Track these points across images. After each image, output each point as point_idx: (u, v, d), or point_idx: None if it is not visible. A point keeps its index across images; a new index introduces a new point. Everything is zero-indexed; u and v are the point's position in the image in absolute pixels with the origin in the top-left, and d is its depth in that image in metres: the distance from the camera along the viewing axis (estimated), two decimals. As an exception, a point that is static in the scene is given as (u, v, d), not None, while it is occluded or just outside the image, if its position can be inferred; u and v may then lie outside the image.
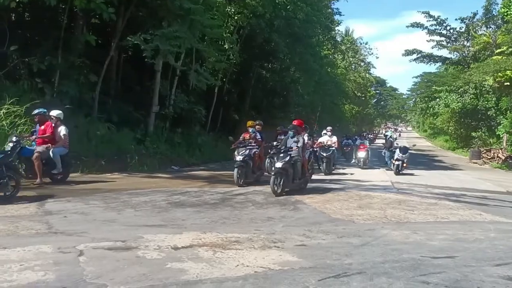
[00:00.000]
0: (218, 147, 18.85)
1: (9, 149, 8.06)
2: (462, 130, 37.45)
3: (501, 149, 25.68)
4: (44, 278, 3.25)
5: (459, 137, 38.88)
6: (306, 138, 10.61)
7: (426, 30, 36.77)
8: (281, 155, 8.61)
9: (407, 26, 37.71)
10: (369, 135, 45.72)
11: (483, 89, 31.23)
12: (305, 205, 7.43)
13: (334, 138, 15.40)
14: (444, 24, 36.65)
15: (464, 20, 36.23)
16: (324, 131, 15.96)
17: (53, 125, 8.83)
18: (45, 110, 8.97)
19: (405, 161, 15.28)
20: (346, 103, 51.32)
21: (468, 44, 37.12)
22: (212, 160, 17.07)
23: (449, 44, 38.06)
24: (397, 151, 15.48)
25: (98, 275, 3.34)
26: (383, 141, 22.86)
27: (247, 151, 10.02)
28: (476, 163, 25.16)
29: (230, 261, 3.85)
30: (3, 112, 9.80)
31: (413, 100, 51.70)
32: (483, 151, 26.85)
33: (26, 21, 14.28)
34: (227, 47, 19.80)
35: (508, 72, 24.60)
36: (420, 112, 48.65)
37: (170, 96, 17.72)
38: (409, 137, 62.87)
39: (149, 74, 17.10)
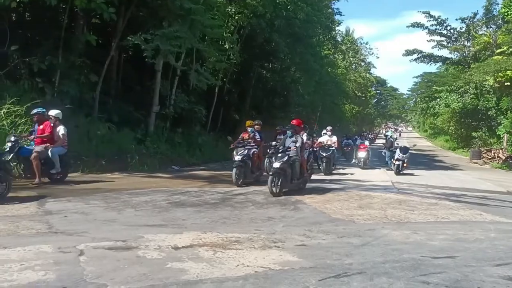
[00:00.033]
0: (219, 147, 18.85)
1: (7, 149, 8.06)
2: (462, 130, 37.44)
3: (501, 149, 25.68)
4: (44, 277, 3.25)
5: (459, 137, 38.88)
6: (305, 137, 10.57)
7: (426, 30, 36.77)
8: (279, 155, 8.55)
9: (408, 26, 37.72)
10: (369, 135, 45.71)
11: (484, 89, 31.23)
12: (306, 205, 7.43)
13: (334, 138, 15.36)
14: (445, 24, 36.65)
15: (465, 20, 36.23)
16: (324, 131, 15.92)
17: (52, 124, 8.80)
18: (44, 110, 8.94)
19: (405, 161, 15.28)
20: (346, 103, 51.31)
21: (468, 44, 37.11)
22: (212, 160, 17.08)
23: (449, 44, 38.05)
24: (398, 151, 15.48)
25: (98, 275, 3.34)
26: (384, 141, 22.88)
27: (246, 151, 9.98)
28: (476, 163, 25.16)
29: (230, 261, 3.85)
30: (3, 111, 9.80)
31: (414, 100, 51.68)
32: (483, 151, 26.85)
33: (26, 21, 14.30)
34: (227, 47, 19.81)
35: (508, 72, 24.58)
36: (420, 112, 48.65)
37: (171, 96, 17.72)
38: (409, 137, 62.88)
39: (150, 74, 17.11)
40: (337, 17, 34.39)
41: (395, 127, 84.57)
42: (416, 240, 5.00)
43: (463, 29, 36.75)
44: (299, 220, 6.15)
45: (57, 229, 4.93)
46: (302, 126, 10.64)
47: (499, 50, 27.92)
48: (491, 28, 34.91)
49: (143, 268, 3.54)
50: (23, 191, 7.55)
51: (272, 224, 5.70)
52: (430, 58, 38.96)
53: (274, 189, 8.17)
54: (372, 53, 60.32)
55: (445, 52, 39.00)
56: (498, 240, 5.16)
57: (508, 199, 9.95)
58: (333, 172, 14.68)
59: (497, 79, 26.03)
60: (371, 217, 6.48)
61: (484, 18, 34.99)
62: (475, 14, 35.63)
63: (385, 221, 6.17)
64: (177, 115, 18.04)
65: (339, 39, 45.06)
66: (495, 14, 33.11)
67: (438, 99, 35.75)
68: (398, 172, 14.87)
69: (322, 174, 13.71)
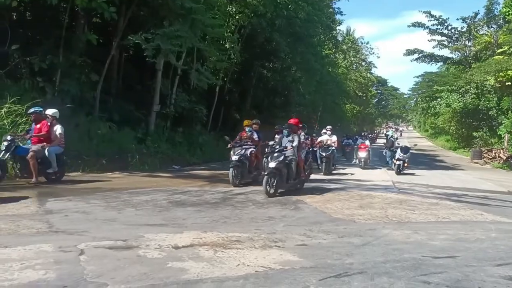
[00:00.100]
0: (219, 146, 18.81)
1: (3, 148, 8.02)
2: (463, 130, 37.43)
3: (502, 149, 25.65)
4: (45, 277, 3.25)
5: (460, 137, 38.87)
6: (302, 137, 10.50)
7: (427, 30, 36.84)
8: (275, 154, 8.37)
9: (409, 26, 37.79)
10: (370, 135, 45.67)
11: (485, 89, 31.22)
12: (306, 204, 7.42)
13: (334, 138, 15.27)
14: (446, 24, 36.70)
15: (466, 20, 36.26)
16: (324, 131, 15.85)
17: (49, 124, 8.72)
18: (41, 109, 8.86)
19: (406, 161, 15.28)
20: (347, 103, 51.32)
21: (469, 44, 37.13)
22: (213, 159, 17.08)
23: (450, 44, 38.07)
24: (398, 151, 15.47)
25: (99, 274, 3.33)
26: (384, 140, 22.87)
27: (243, 150, 9.85)
28: (477, 163, 25.15)
29: (231, 260, 3.84)
30: (4, 111, 9.79)
31: (414, 99, 51.77)
32: (484, 151, 26.82)
33: (27, 20, 14.31)
34: (228, 47, 19.82)
35: (509, 72, 24.57)
36: (421, 112, 48.65)
37: (171, 95, 17.73)
38: (410, 137, 62.84)
39: (150, 73, 17.11)
40: (338, 16, 34.48)
41: (396, 126, 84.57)
42: (417, 240, 4.99)
43: (464, 29, 36.80)
44: (299, 219, 6.14)
45: (57, 228, 4.93)
46: (300, 125, 10.59)
47: (500, 50, 27.90)
48: (492, 28, 34.94)
49: (143, 268, 3.54)
50: (22, 190, 7.56)
51: (272, 224, 5.70)
52: (431, 57, 38.98)
53: (269, 189, 7.99)
54: (373, 53, 60.47)
55: (446, 52, 39.10)
56: (499, 240, 5.15)
57: (509, 199, 9.94)
58: (333, 172, 14.63)
59: (498, 79, 26.01)
60: (372, 216, 6.47)
61: (485, 18, 35.01)
62: (476, 14, 35.70)
63: (386, 221, 6.16)
64: (178, 115, 18.04)
65: (340, 38, 45.10)
66: (496, 14, 33.14)
67: (439, 99, 35.75)
68: (399, 172, 14.86)
69: (322, 174, 13.65)
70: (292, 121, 9.34)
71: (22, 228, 4.83)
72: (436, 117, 44.41)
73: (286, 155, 8.42)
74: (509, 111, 26.85)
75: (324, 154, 14.10)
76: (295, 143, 8.57)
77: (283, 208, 7.02)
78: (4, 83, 11.35)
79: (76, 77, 13.35)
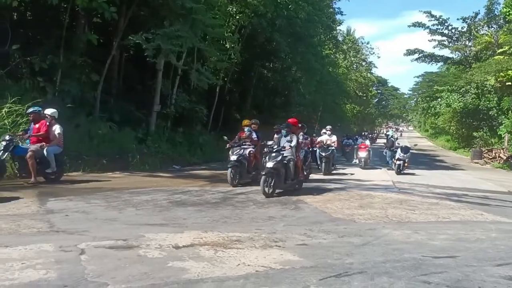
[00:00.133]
0: (220, 146, 18.77)
1: (2, 148, 8.01)
2: (463, 130, 37.43)
3: (502, 149, 25.65)
4: (45, 276, 3.25)
5: (460, 137, 38.87)
6: (301, 137, 10.45)
7: (427, 30, 36.86)
8: (273, 154, 8.31)
9: (409, 26, 37.83)
10: (370, 135, 45.63)
11: (485, 89, 31.21)
12: (306, 204, 7.42)
13: (334, 138, 15.20)
14: (446, 24, 36.71)
15: (466, 20, 36.26)
16: (324, 130, 15.81)
17: (48, 123, 8.67)
18: (40, 109, 8.83)
19: (406, 160, 15.27)
20: (347, 103, 51.27)
21: (469, 44, 37.13)
22: (213, 159, 17.07)
23: (450, 44, 38.08)
24: (399, 150, 15.45)
25: (99, 274, 3.34)
26: (384, 140, 22.86)
27: (242, 150, 9.80)
28: (477, 163, 25.15)
29: (231, 260, 3.84)
30: (5, 111, 9.80)
31: (415, 100, 51.77)
32: (484, 151, 26.83)
33: (28, 20, 14.33)
34: (228, 47, 19.82)
35: (510, 72, 24.57)
36: (421, 112, 48.63)
37: (172, 96, 17.73)
38: (410, 136, 62.81)
39: (151, 73, 17.12)
40: (338, 16, 34.48)
41: (396, 126, 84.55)
42: (417, 239, 4.99)
43: (465, 29, 36.80)
44: (300, 219, 6.14)
45: (58, 228, 4.94)
46: (299, 125, 10.55)
47: (500, 50, 27.91)
48: (492, 28, 34.94)
49: (144, 267, 3.54)
50: (22, 190, 7.57)
51: (273, 224, 5.70)
52: (431, 57, 38.99)
53: (267, 189, 7.90)
54: (373, 53, 60.31)
55: (446, 52, 39.11)
56: (499, 240, 5.15)
57: (509, 199, 9.93)
58: (333, 172, 14.60)
59: (499, 79, 26.01)
60: (372, 216, 6.47)
61: (486, 18, 35.01)
62: (477, 14, 35.72)
63: (386, 221, 6.17)
64: (178, 115, 18.05)
65: (340, 38, 45.08)
66: (497, 14, 33.14)
67: (439, 99, 35.75)
68: (399, 171, 14.85)
69: (322, 174, 13.62)
70: (290, 121, 9.29)
71: (23, 228, 4.84)
72: (436, 117, 44.41)
73: (284, 155, 8.36)
74: (510, 111, 26.85)
75: (323, 154, 14.06)
76: (293, 143, 8.50)
77: (284, 208, 7.03)
78: (5, 83, 11.37)
79: (77, 77, 13.36)
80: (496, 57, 27.39)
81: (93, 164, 11.10)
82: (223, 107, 22.37)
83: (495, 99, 30.62)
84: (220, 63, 18.84)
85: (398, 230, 5.49)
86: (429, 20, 36.19)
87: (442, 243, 4.87)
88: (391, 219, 6.30)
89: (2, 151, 8.03)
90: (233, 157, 9.63)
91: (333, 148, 14.56)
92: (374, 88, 70.91)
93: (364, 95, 61.62)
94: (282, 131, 8.90)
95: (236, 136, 10.52)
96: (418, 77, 45.96)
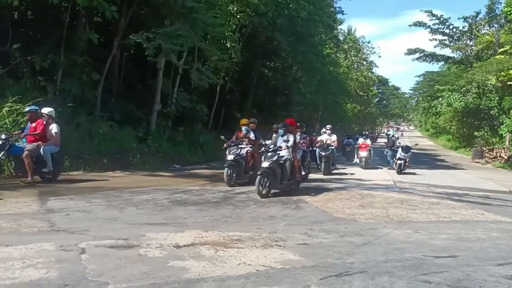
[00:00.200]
0: (220, 145, 18.73)
1: None
2: (464, 129, 37.38)
3: (503, 148, 25.62)
4: (46, 275, 3.26)
5: (461, 137, 38.84)
6: (298, 137, 10.40)
7: (428, 29, 36.83)
8: (269, 154, 8.23)
9: (410, 25, 37.86)
10: (371, 135, 45.59)
11: (486, 88, 31.16)
12: (307, 204, 7.42)
13: (334, 137, 15.06)
14: (447, 23, 36.67)
15: (467, 19, 36.22)
16: (324, 130, 15.73)
17: (45, 122, 8.62)
18: (37, 108, 8.79)
19: (407, 160, 15.25)
20: (348, 102, 51.21)
21: (471, 43, 37.09)
22: (214, 158, 17.06)
23: (451, 43, 38.04)
24: (399, 150, 15.42)
25: (100, 273, 3.34)
26: (385, 140, 22.85)
27: (239, 150, 9.73)
28: (478, 162, 25.13)
29: (232, 259, 3.85)
30: (5, 110, 9.79)
31: (416, 99, 51.77)
32: (485, 150, 26.80)
33: (28, 20, 14.32)
34: (229, 46, 19.80)
35: (511, 72, 24.56)
36: (422, 111, 48.60)
37: (172, 95, 17.72)
38: (411, 136, 62.80)
39: (151, 72, 17.11)
40: (339, 16, 34.43)
41: (397, 126, 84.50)
42: (418, 239, 4.99)
43: (466, 28, 36.76)
44: (300, 219, 6.14)
45: (59, 227, 4.94)
46: (298, 125, 10.49)
47: (501, 50, 27.90)
48: (493, 27, 34.91)
49: (144, 267, 3.54)
50: (23, 189, 7.58)
51: (273, 223, 5.70)
52: (432, 57, 38.95)
53: (262, 189, 7.82)
54: (374, 52, 59.87)
55: (447, 51, 39.08)
56: (500, 239, 5.15)
57: (510, 198, 9.93)
58: (333, 171, 14.49)
59: (500, 79, 25.99)
60: (372, 216, 6.47)
61: (487, 17, 34.98)
62: (478, 13, 35.68)
63: (387, 220, 6.16)
64: (179, 114, 18.03)
65: (341, 38, 45.05)
66: (498, 13, 33.11)
67: (440, 98, 35.68)
68: (400, 171, 14.83)
69: (321, 174, 13.51)
70: (288, 120, 9.23)
71: (23, 227, 4.85)
72: (437, 116, 44.38)
73: (281, 155, 8.29)
74: (511, 111, 26.81)
75: (323, 153, 13.92)
76: (290, 143, 8.40)
77: (284, 207, 7.03)
78: (6, 82, 11.36)
79: (77, 77, 13.35)
80: (497, 56, 27.38)
81: (94, 163, 11.10)
82: (223, 106, 22.36)
83: (496, 98, 30.58)
84: (221, 62, 18.82)
85: (399, 229, 5.49)
86: (430, 20, 36.20)
87: (443, 242, 4.87)
88: (392, 219, 6.30)
89: None
90: (230, 157, 9.56)
91: (333, 147, 14.42)
92: (375, 88, 70.81)
93: (365, 94, 61.54)
94: (280, 130, 8.80)
95: (234, 136, 10.44)
96: (419, 76, 46.11)
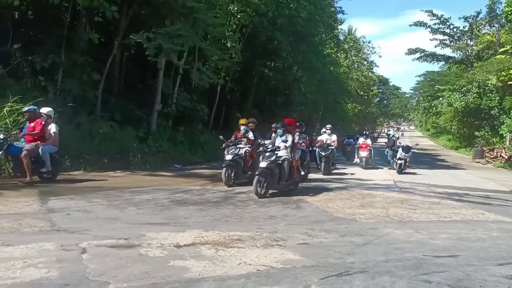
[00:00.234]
0: (220, 145, 18.80)
1: None
2: (465, 129, 37.36)
3: (504, 148, 25.60)
4: (47, 275, 3.26)
5: (462, 136, 38.81)
6: (297, 137, 10.36)
7: (429, 29, 36.84)
8: (267, 154, 8.17)
9: (410, 25, 37.87)
10: (371, 135, 45.54)
11: (487, 88, 31.15)
12: (307, 203, 7.42)
13: (334, 137, 14.99)
14: (448, 23, 36.67)
15: (468, 19, 36.21)
16: (324, 130, 15.69)
17: (43, 122, 8.59)
18: (35, 107, 8.77)
19: (407, 160, 15.24)
20: (348, 102, 51.20)
21: (471, 43, 37.07)
22: (214, 158, 17.03)
23: (452, 43, 38.03)
24: (400, 150, 15.41)
25: (100, 273, 3.35)
26: (386, 140, 22.83)
27: (238, 150, 9.69)
28: (479, 162, 25.11)
29: (232, 259, 3.85)
30: (6, 110, 9.80)
31: (416, 99, 51.84)
32: (486, 150, 26.78)
33: (29, 19, 14.33)
34: (229, 46, 19.80)
35: (511, 71, 24.52)
36: (423, 111, 48.65)
37: (173, 95, 17.72)
38: (411, 136, 62.72)
39: (152, 72, 17.11)
40: (339, 15, 34.43)
41: (397, 126, 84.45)
42: (418, 239, 4.99)
43: (466, 28, 36.75)
44: (301, 218, 6.15)
45: (59, 227, 4.95)
46: (297, 124, 10.46)
47: (502, 49, 27.89)
48: (494, 27, 34.89)
49: (145, 266, 3.55)
50: (23, 189, 7.58)
51: (274, 223, 5.71)
52: (432, 57, 38.94)
53: (259, 190, 7.78)
54: (375, 52, 59.74)
55: (448, 51, 39.07)
56: (500, 239, 5.15)
57: (511, 198, 9.93)
58: (333, 171, 14.43)
59: (500, 78, 25.98)
60: (373, 216, 6.47)
61: (487, 17, 34.96)
62: (478, 13, 35.67)
63: (387, 220, 6.17)
64: (179, 114, 18.04)
65: (341, 37, 45.03)
66: (498, 13, 33.10)
67: (440, 98, 35.69)
68: (400, 171, 14.82)
69: (321, 174, 13.47)
70: (287, 120, 9.19)
71: (24, 227, 4.85)
72: (437, 116, 44.35)
73: (279, 155, 8.25)
74: (511, 111, 26.79)
75: (323, 153, 13.86)
76: (288, 143, 8.36)
77: (285, 207, 7.03)
78: (6, 82, 11.36)
79: (78, 76, 13.36)
80: (498, 56, 27.36)
81: (94, 163, 11.10)
82: (224, 106, 22.36)
83: (496, 98, 30.56)
84: (221, 62, 18.83)
85: (399, 229, 5.49)
86: (430, 19, 36.20)
87: (443, 242, 4.87)
88: (392, 219, 6.30)
89: None
90: (228, 157, 9.52)
91: (333, 147, 14.36)
92: (376, 87, 70.75)
93: (366, 94, 61.50)
94: (278, 130, 8.76)
95: (233, 135, 10.41)
96: (419, 76, 46.17)
